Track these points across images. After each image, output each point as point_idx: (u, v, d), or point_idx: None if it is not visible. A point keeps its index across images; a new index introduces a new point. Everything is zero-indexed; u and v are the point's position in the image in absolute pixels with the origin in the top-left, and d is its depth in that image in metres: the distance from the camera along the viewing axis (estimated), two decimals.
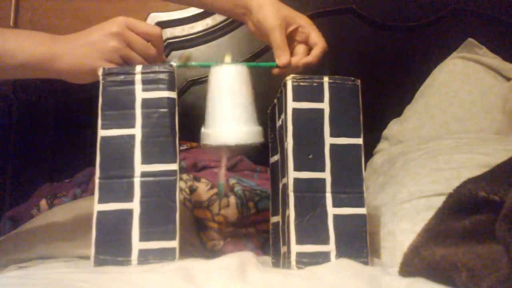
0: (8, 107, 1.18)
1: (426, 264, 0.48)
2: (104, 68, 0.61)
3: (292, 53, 0.71)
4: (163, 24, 1.17)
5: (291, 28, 0.70)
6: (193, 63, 0.68)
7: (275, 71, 0.70)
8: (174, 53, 1.18)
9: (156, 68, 0.61)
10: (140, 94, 0.60)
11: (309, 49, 0.72)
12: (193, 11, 1.18)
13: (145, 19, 1.16)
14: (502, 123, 0.95)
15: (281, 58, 0.69)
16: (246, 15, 0.73)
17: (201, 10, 1.17)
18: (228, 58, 0.63)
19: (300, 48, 0.71)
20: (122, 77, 0.60)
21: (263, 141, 0.63)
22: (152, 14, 1.17)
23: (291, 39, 0.71)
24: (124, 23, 0.63)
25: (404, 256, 0.52)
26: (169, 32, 1.18)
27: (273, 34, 0.68)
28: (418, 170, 0.78)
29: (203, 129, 0.62)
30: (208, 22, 1.18)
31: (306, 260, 0.58)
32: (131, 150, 0.59)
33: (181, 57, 0.67)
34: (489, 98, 0.98)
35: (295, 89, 0.62)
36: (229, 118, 0.60)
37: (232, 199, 0.82)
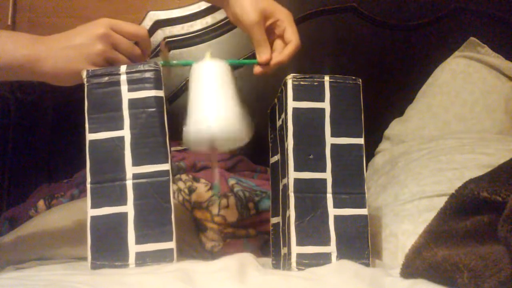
0: (6, 107, 1.18)
1: (428, 265, 0.48)
2: (88, 70, 0.60)
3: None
4: (162, 23, 1.17)
5: (269, 22, 0.68)
6: (175, 61, 0.68)
7: (257, 71, 0.68)
8: (173, 51, 1.17)
9: (141, 67, 0.60)
10: (126, 94, 0.59)
11: (285, 44, 0.69)
12: (192, 9, 1.17)
13: (143, 18, 1.16)
14: (504, 123, 0.95)
15: (262, 55, 0.67)
16: (224, 3, 0.70)
17: (201, 9, 1.17)
18: (208, 55, 0.63)
19: (277, 44, 0.69)
20: (106, 78, 0.59)
21: (247, 140, 0.60)
22: (151, 13, 1.17)
23: (269, 32, 0.69)
24: (108, 25, 0.62)
25: (405, 257, 0.51)
26: (168, 31, 1.17)
27: (252, 31, 0.67)
28: (420, 171, 0.78)
29: (185, 129, 0.60)
30: (207, 21, 1.18)
31: (307, 261, 0.58)
32: (121, 153, 0.58)
33: (161, 47, 0.66)
34: (491, 97, 0.97)
35: (296, 88, 0.61)
36: (210, 118, 0.58)
37: (232, 200, 0.81)
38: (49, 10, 1.26)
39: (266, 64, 0.68)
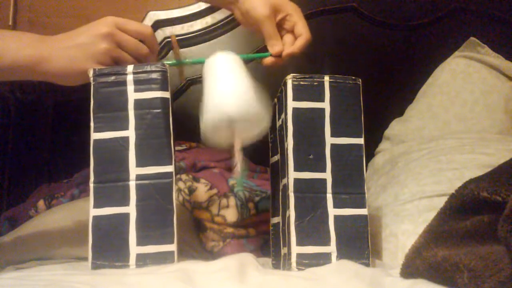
0: (6, 107, 1.18)
1: (428, 265, 0.48)
2: (95, 69, 0.59)
3: None
4: (162, 23, 1.17)
5: (280, 17, 0.69)
6: (186, 60, 0.68)
7: (267, 61, 0.69)
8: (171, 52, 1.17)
9: (148, 68, 0.60)
10: (133, 95, 0.59)
11: (295, 38, 0.71)
12: (192, 9, 1.17)
13: (143, 18, 1.16)
14: (504, 123, 0.95)
15: (274, 47, 0.68)
16: (233, 3, 0.72)
17: (201, 9, 1.17)
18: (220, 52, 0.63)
19: (287, 38, 0.70)
20: (113, 77, 0.59)
21: (267, 124, 0.59)
22: (151, 13, 1.17)
23: (279, 27, 0.70)
24: (113, 23, 0.62)
25: (405, 257, 0.51)
26: (168, 31, 1.17)
27: (263, 25, 0.68)
28: (420, 171, 0.78)
29: (202, 119, 0.59)
30: (207, 21, 1.18)
31: (307, 261, 0.58)
32: (125, 153, 0.58)
33: (172, 43, 0.66)
34: (491, 97, 0.97)
35: (296, 88, 0.61)
36: (229, 101, 0.57)
37: (232, 200, 0.81)
38: (49, 10, 1.26)
39: (278, 56, 0.68)
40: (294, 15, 0.70)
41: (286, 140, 0.61)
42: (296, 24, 0.70)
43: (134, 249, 0.56)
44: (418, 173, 0.77)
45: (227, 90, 0.58)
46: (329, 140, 0.61)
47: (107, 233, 0.57)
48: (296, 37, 0.70)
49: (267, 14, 0.67)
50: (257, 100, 0.58)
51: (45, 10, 1.26)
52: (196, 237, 0.81)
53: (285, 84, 0.62)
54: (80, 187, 0.96)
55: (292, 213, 0.59)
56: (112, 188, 0.58)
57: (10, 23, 1.24)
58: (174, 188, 0.58)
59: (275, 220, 0.69)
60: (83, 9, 1.26)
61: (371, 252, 0.60)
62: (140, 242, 0.57)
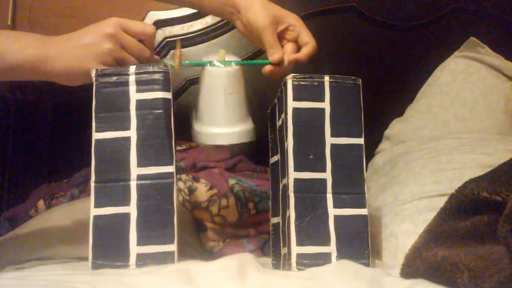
0: (6, 107, 1.18)
1: (428, 265, 0.48)
2: (97, 69, 0.60)
3: None
4: (162, 23, 1.17)
5: (281, 28, 0.70)
6: (187, 61, 0.68)
7: (266, 69, 0.70)
8: (172, 52, 1.17)
9: (150, 69, 0.60)
10: (135, 95, 0.59)
11: (298, 48, 0.71)
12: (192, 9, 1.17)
13: (143, 18, 1.16)
14: (504, 123, 0.95)
15: (274, 55, 0.68)
16: (234, 14, 0.72)
17: None
18: (222, 52, 0.63)
19: (288, 46, 0.71)
20: (115, 78, 0.59)
21: (255, 139, 0.62)
22: (151, 13, 1.17)
23: (281, 38, 0.71)
24: (117, 24, 0.62)
25: (405, 257, 0.51)
26: (168, 31, 1.17)
27: (264, 34, 0.68)
28: (420, 171, 0.78)
29: (195, 125, 0.62)
30: (207, 21, 1.18)
31: (307, 261, 0.58)
32: (127, 153, 0.58)
33: (175, 53, 0.66)
34: (491, 97, 0.97)
35: (296, 88, 0.61)
36: (222, 118, 0.60)
37: (232, 200, 0.81)
38: (49, 10, 1.26)
39: (277, 64, 0.69)
40: (297, 26, 0.70)
41: (286, 140, 0.61)
42: (300, 34, 0.70)
43: (135, 249, 0.56)
44: (418, 173, 0.77)
45: (221, 118, 0.62)
46: (329, 140, 0.61)
47: (107, 233, 0.57)
48: (299, 46, 0.70)
49: (267, 24, 0.68)
50: (247, 118, 0.60)
51: (45, 10, 1.26)
52: (196, 237, 0.81)
53: (285, 84, 0.62)
54: (80, 187, 0.96)
55: (292, 213, 0.59)
56: (113, 188, 0.58)
57: (9, 22, 1.24)
58: (175, 188, 0.58)
59: (275, 220, 0.69)
60: (83, 9, 1.26)
61: (371, 252, 0.60)
62: (141, 242, 0.57)
